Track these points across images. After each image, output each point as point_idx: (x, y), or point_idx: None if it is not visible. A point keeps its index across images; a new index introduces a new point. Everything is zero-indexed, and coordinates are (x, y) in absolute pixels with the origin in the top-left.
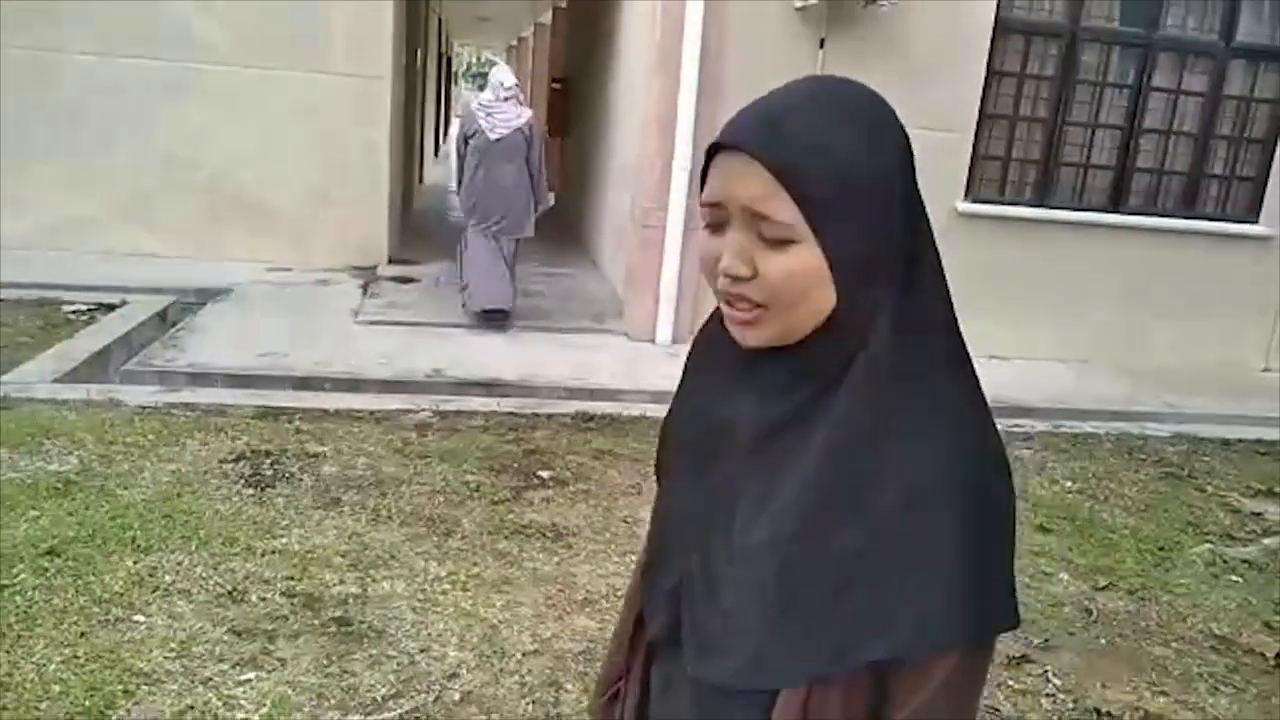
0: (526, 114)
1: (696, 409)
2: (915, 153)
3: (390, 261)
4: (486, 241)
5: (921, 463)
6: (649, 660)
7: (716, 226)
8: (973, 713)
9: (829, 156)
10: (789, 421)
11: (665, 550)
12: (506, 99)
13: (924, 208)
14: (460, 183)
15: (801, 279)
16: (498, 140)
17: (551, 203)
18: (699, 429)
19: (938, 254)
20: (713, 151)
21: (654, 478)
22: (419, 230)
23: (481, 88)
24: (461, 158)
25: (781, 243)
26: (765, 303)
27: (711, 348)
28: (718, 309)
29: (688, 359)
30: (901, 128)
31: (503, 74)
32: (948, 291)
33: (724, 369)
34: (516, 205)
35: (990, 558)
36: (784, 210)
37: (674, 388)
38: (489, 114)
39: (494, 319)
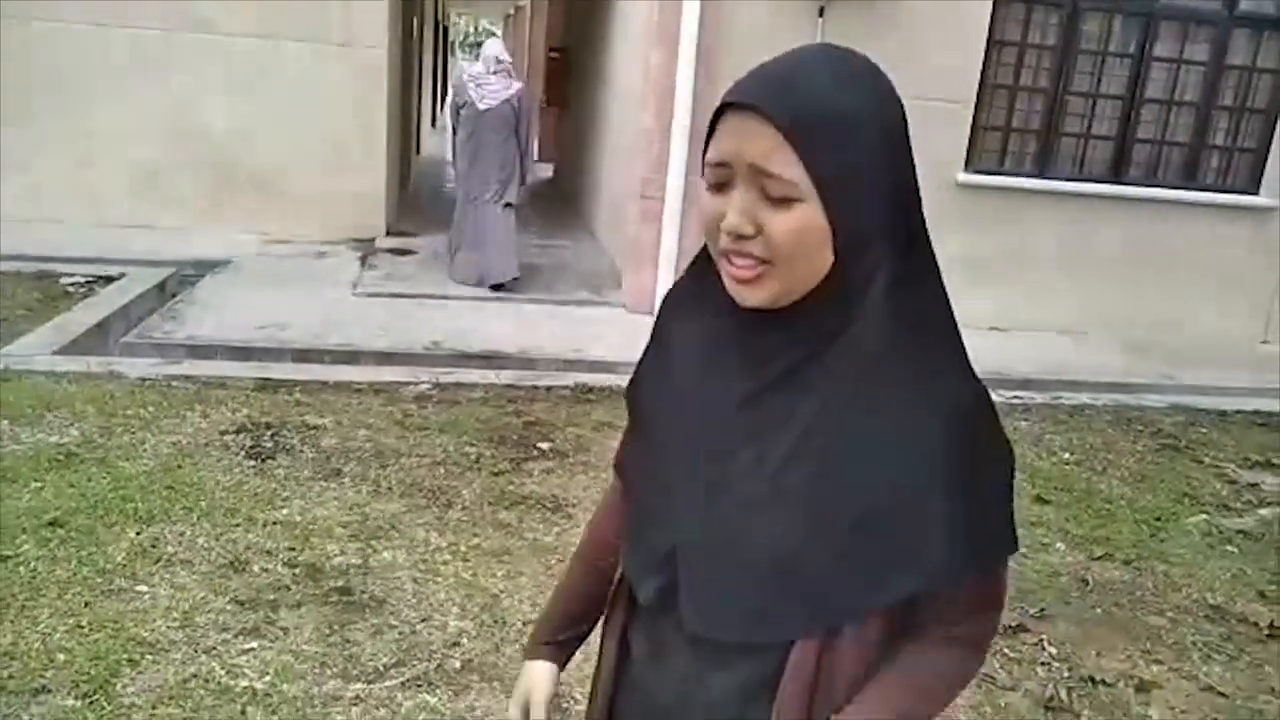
0: (516, 86)
1: (680, 371)
2: (916, 123)
3: (388, 233)
4: (484, 212)
5: (919, 409)
6: (627, 624)
7: (720, 186)
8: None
9: (835, 117)
10: (785, 379)
11: (653, 514)
12: (496, 72)
13: (916, 177)
14: (454, 153)
15: (804, 236)
16: (486, 110)
17: (543, 174)
18: (685, 392)
19: (925, 223)
20: (719, 113)
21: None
22: (416, 202)
23: (478, 57)
24: (454, 128)
25: (786, 201)
26: (769, 259)
27: (690, 309)
28: (688, 271)
29: (659, 321)
30: (899, 99)
31: (494, 48)
32: (935, 259)
33: (709, 331)
34: (504, 174)
35: (1000, 488)
36: (790, 168)
37: None
38: (479, 85)
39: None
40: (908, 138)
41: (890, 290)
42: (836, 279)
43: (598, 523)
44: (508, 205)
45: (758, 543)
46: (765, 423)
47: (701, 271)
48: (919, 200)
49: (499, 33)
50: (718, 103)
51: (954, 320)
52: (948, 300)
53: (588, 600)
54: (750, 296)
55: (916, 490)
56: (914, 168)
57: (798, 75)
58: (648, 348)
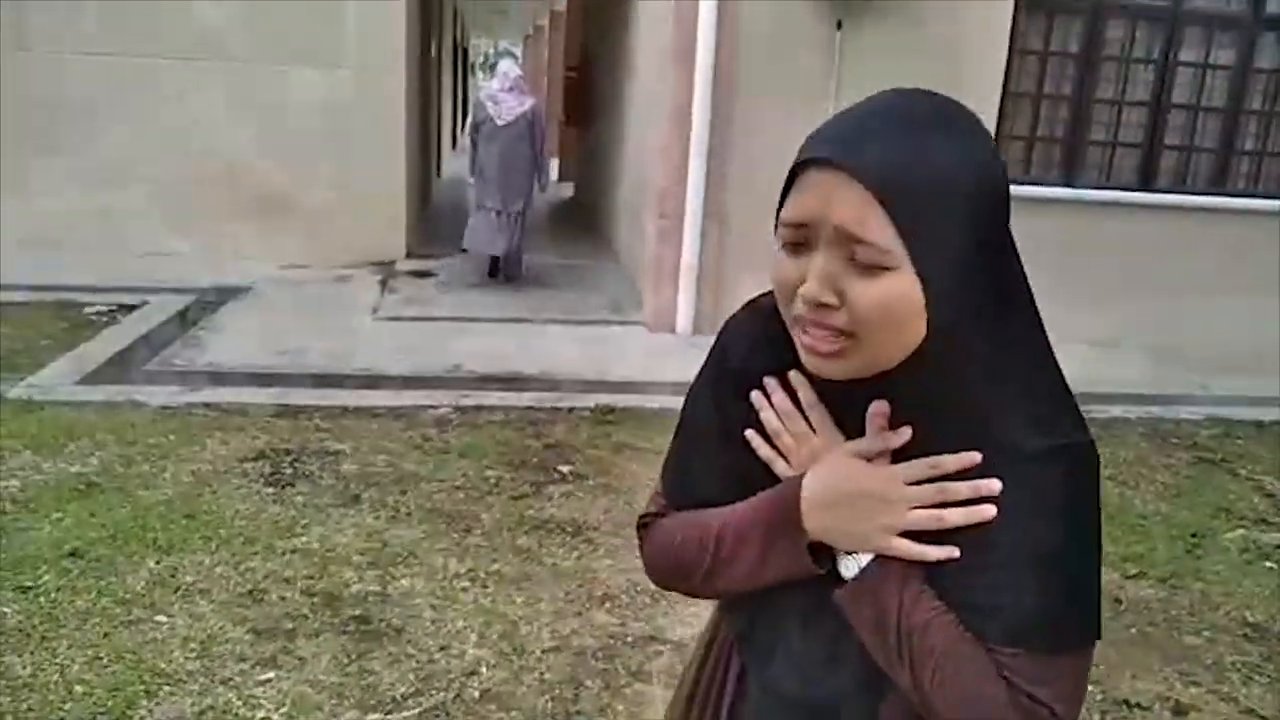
0: (529, 102)
1: (752, 444)
2: None
3: (408, 256)
4: (488, 216)
5: (1034, 464)
6: (741, 667)
7: (797, 246)
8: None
9: (931, 176)
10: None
11: (754, 603)
12: (510, 89)
13: (1013, 239)
14: (473, 164)
15: (895, 309)
16: (504, 125)
17: (564, 193)
18: (759, 466)
19: (1024, 276)
20: (800, 167)
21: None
22: (437, 224)
23: (495, 77)
24: (474, 143)
25: (875, 269)
26: (853, 331)
27: (755, 377)
28: (753, 309)
29: (727, 353)
30: (995, 147)
31: (507, 66)
32: (1038, 313)
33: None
34: (520, 180)
35: (1095, 562)
36: (881, 233)
37: (693, 377)
38: (496, 103)
39: (494, 270)
40: (1007, 189)
41: (989, 361)
42: (931, 350)
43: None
44: (523, 212)
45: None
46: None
47: (770, 316)
48: (1016, 254)
49: (518, 53)
50: (799, 155)
51: (1062, 378)
52: (1054, 357)
53: None
54: (827, 370)
55: (1023, 545)
56: (1008, 218)
57: (887, 127)
58: (706, 372)
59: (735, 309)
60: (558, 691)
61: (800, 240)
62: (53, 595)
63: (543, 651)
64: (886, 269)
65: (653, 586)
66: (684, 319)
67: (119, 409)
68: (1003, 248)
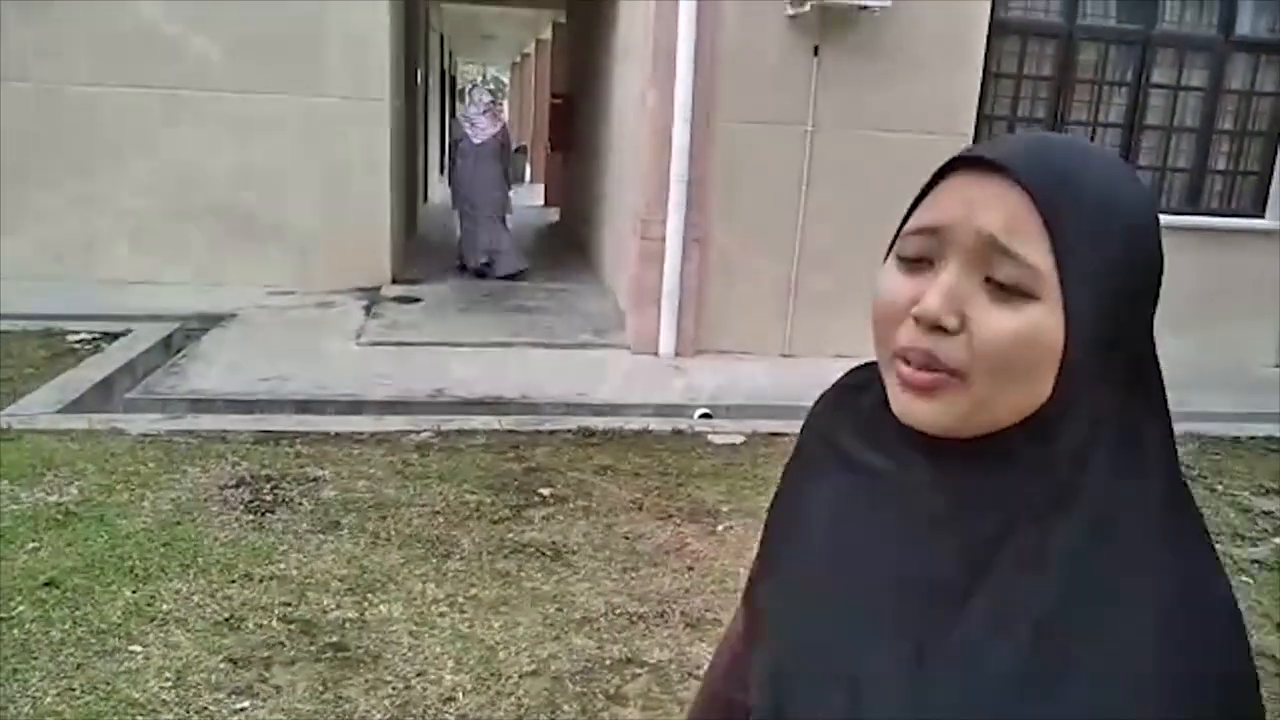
0: (500, 124)
1: (827, 516)
2: (914, 158)
3: (393, 282)
4: (486, 224)
5: (1185, 615)
6: None
7: (917, 263)
8: None
9: (1101, 200)
10: (991, 549)
11: (793, 682)
12: (484, 113)
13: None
14: (451, 180)
15: (1028, 348)
16: (479, 144)
17: (540, 203)
18: (831, 539)
19: (1156, 357)
20: (942, 173)
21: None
22: (423, 249)
23: (469, 101)
24: (452, 159)
25: (1017, 294)
26: (964, 369)
27: (836, 431)
28: (842, 382)
29: (799, 441)
30: (1155, 203)
31: (480, 93)
32: (1166, 401)
33: (872, 463)
34: (494, 193)
35: None
36: (1035, 251)
37: (676, 399)
38: (471, 124)
39: (483, 273)
40: (1162, 262)
41: (1130, 448)
42: (1054, 416)
43: (719, 665)
44: (502, 217)
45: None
46: (954, 600)
47: (857, 386)
48: (1151, 325)
49: (506, 80)
50: (942, 163)
51: (1188, 488)
52: (1178, 462)
53: None
54: (917, 412)
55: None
56: (1157, 299)
57: (1054, 145)
58: (790, 479)
59: (716, 329)
60: (534, 717)
61: (924, 254)
62: (27, 626)
63: (520, 676)
64: (1029, 296)
65: (631, 609)
66: (666, 341)
67: (99, 437)
68: (1148, 311)
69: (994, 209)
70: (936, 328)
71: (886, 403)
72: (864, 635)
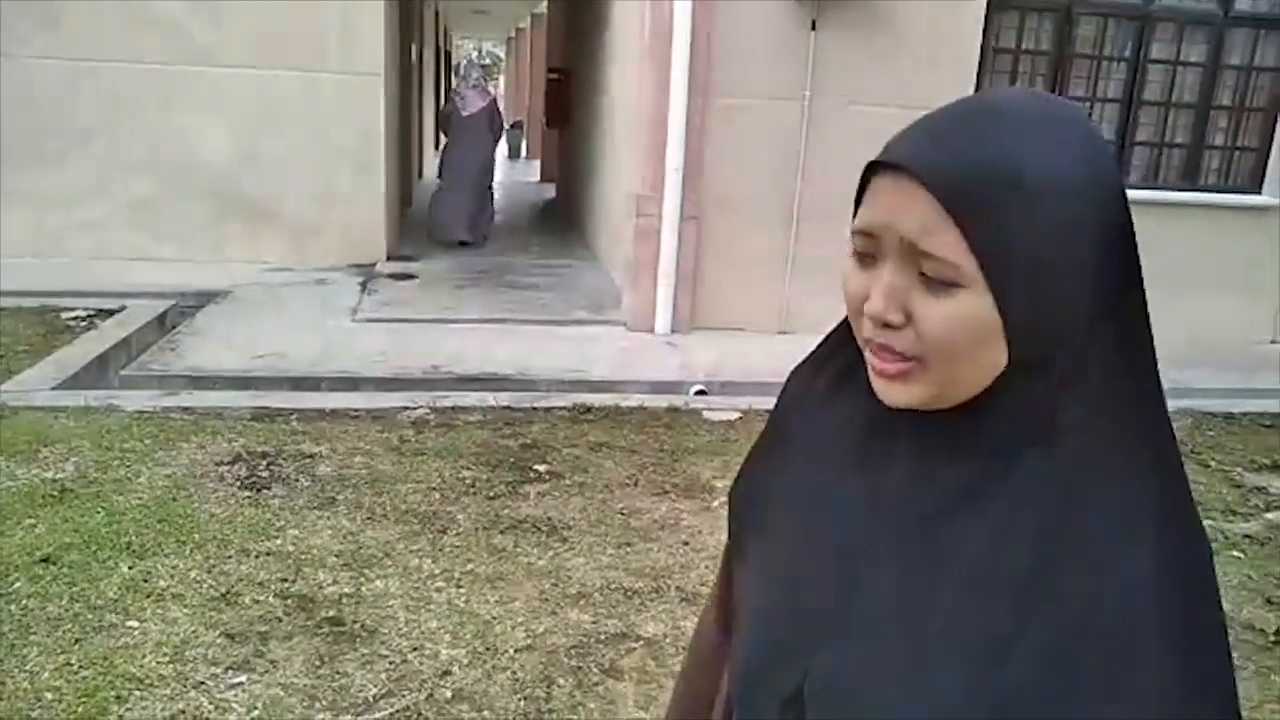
0: (489, 98)
1: (804, 479)
2: None
3: (389, 258)
4: (453, 193)
5: (1129, 563)
6: None
7: (865, 258)
8: None
9: (1010, 183)
10: (954, 502)
11: (771, 648)
12: (474, 88)
13: (1135, 254)
14: (442, 149)
15: (966, 332)
16: (469, 116)
17: (535, 179)
18: (810, 504)
19: (1145, 315)
20: (871, 170)
21: (650, 471)
22: (418, 226)
23: (460, 78)
24: (445, 131)
25: (945, 285)
26: (919, 356)
27: (820, 400)
28: (824, 343)
29: (778, 411)
30: (1109, 155)
31: (471, 70)
32: (1154, 358)
33: (843, 431)
34: (484, 158)
35: (1226, 680)
36: (951, 247)
37: (671, 376)
38: (462, 98)
39: (454, 244)
40: (1122, 204)
41: (1091, 400)
42: (1014, 382)
43: (706, 623)
44: (489, 186)
45: (908, 708)
46: (926, 554)
47: (839, 345)
48: (1137, 285)
49: (501, 55)
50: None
51: (1173, 442)
52: (1166, 414)
53: None
54: (893, 395)
55: (1116, 669)
56: (1131, 243)
57: (968, 129)
58: (765, 443)
59: (712, 306)
60: (530, 691)
61: (869, 251)
62: (24, 602)
63: (515, 651)
64: (958, 286)
65: (626, 584)
66: (662, 318)
67: (95, 414)
68: (1113, 272)
69: (908, 213)
70: (886, 325)
71: (855, 372)
72: (834, 606)
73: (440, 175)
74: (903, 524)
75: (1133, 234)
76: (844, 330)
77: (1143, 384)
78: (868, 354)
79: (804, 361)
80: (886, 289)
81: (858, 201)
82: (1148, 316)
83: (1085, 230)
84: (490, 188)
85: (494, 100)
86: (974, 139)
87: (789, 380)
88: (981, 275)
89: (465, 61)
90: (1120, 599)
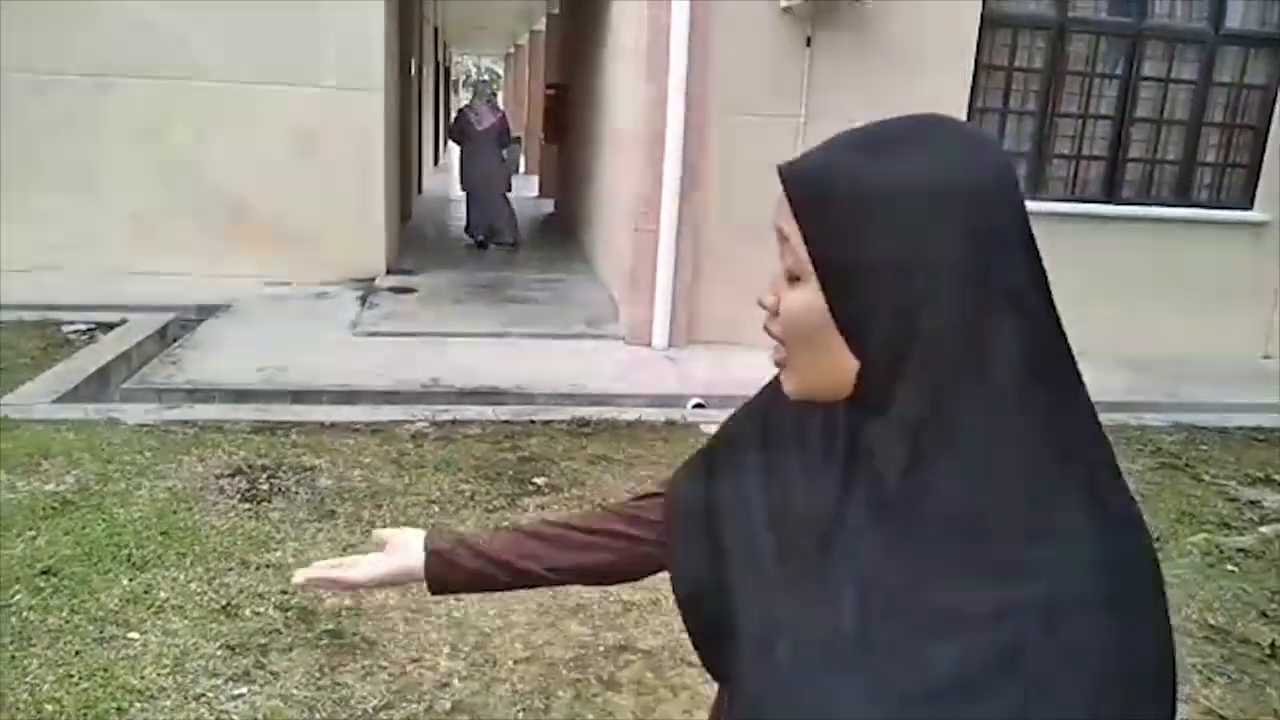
0: (499, 113)
1: (751, 473)
2: None
3: (388, 272)
4: (480, 198)
5: (1046, 580)
6: None
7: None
8: None
9: (847, 189)
10: (852, 504)
11: (734, 628)
12: (486, 103)
13: (1031, 259)
14: (461, 161)
15: (802, 322)
16: (483, 130)
17: (534, 194)
18: (756, 497)
19: (1045, 317)
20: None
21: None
22: (418, 240)
23: (474, 94)
24: (461, 145)
25: (793, 278)
26: (784, 341)
27: (779, 402)
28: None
29: (750, 404)
30: (983, 170)
31: (484, 88)
32: (1065, 362)
33: (781, 430)
34: (495, 169)
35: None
36: (797, 243)
37: (669, 390)
38: (476, 113)
39: (488, 243)
40: (991, 210)
41: (986, 400)
42: (875, 383)
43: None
44: (503, 193)
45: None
46: (833, 551)
47: None
48: (1034, 285)
49: (500, 71)
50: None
51: (1091, 439)
52: (1080, 411)
53: (520, 549)
54: (784, 383)
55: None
56: (1020, 245)
57: (844, 140)
58: (726, 437)
59: (709, 320)
60: (529, 702)
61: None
62: (25, 614)
63: (514, 663)
64: (798, 279)
65: (625, 596)
66: (660, 333)
67: (96, 427)
68: (976, 287)
69: (781, 213)
70: (765, 308)
71: None
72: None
73: (463, 185)
74: (808, 524)
75: (1016, 237)
76: None
77: (1049, 382)
78: None
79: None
80: (773, 277)
81: None
82: (1054, 315)
83: (931, 234)
84: (508, 189)
85: (504, 115)
86: (832, 152)
87: (769, 384)
88: (813, 271)
89: (480, 81)
90: (1041, 601)
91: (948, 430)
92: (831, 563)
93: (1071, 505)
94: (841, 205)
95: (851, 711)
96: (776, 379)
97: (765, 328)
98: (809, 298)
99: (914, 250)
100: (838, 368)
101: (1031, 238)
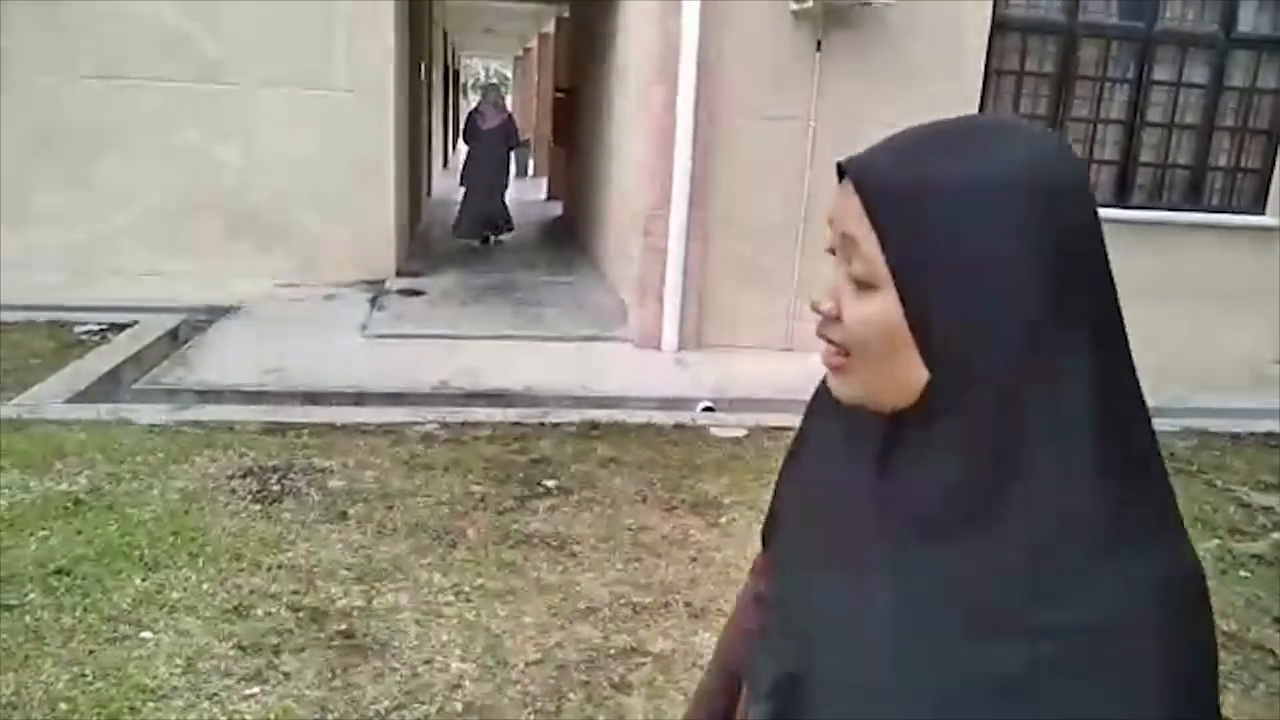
0: (505, 114)
1: (809, 472)
2: None
3: (398, 274)
4: (475, 195)
5: (1108, 606)
6: None
7: (833, 252)
8: None
9: (930, 193)
10: (921, 516)
11: (772, 634)
12: (493, 105)
13: (1095, 278)
14: (465, 159)
15: (876, 333)
16: (489, 129)
17: (542, 196)
18: (808, 496)
19: (1115, 327)
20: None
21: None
22: (427, 242)
23: (483, 97)
24: (468, 142)
25: (863, 285)
26: (848, 349)
27: (827, 402)
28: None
29: (809, 408)
30: (1066, 179)
31: (491, 91)
32: (1131, 375)
33: (846, 440)
34: (500, 166)
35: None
36: (871, 247)
37: (679, 393)
38: (482, 114)
39: (486, 240)
40: (1074, 212)
41: (1054, 412)
42: (944, 395)
43: (736, 613)
44: (504, 188)
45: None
46: (892, 567)
47: None
48: (1106, 291)
49: (509, 74)
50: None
51: (1149, 460)
52: (1147, 425)
53: (712, 710)
54: (834, 387)
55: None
56: (1093, 251)
57: (913, 140)
58: (797, 439)
59: (719, 324)
60: (540, 704)
61: (832, 246)
62: (38, 613)
63: (526, 665)
64: (872, 286)
65: (635, 599)
66: (669, 335)
67: (108, 427)
68: (1075, 284)
69: (845, 210)
70: (823, 314)
71: None
72: (820, 596)
73: (462, 182)
74: (876, 535)
75: (1095, 242)
76: None
77: (1117, 398)
78: None
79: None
80: (828, 282)
81: None
82: (1121, 325)
83: (1020, 238)
84: (504, 188)
85: (509, 116)
86: (907, 152)
87: (816, 390)
88: (890, 279)
89: (486, 83)
90: (1103, 623)
91: (1013, 442)
92: (868, 568)
93: (1135, 525)
94: (930, 208)
95: (899, 707)
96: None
97: (821, 333)
98: (883, 305)
99: (1003, 255)
100: (907, 377)
101: (1104, 243)
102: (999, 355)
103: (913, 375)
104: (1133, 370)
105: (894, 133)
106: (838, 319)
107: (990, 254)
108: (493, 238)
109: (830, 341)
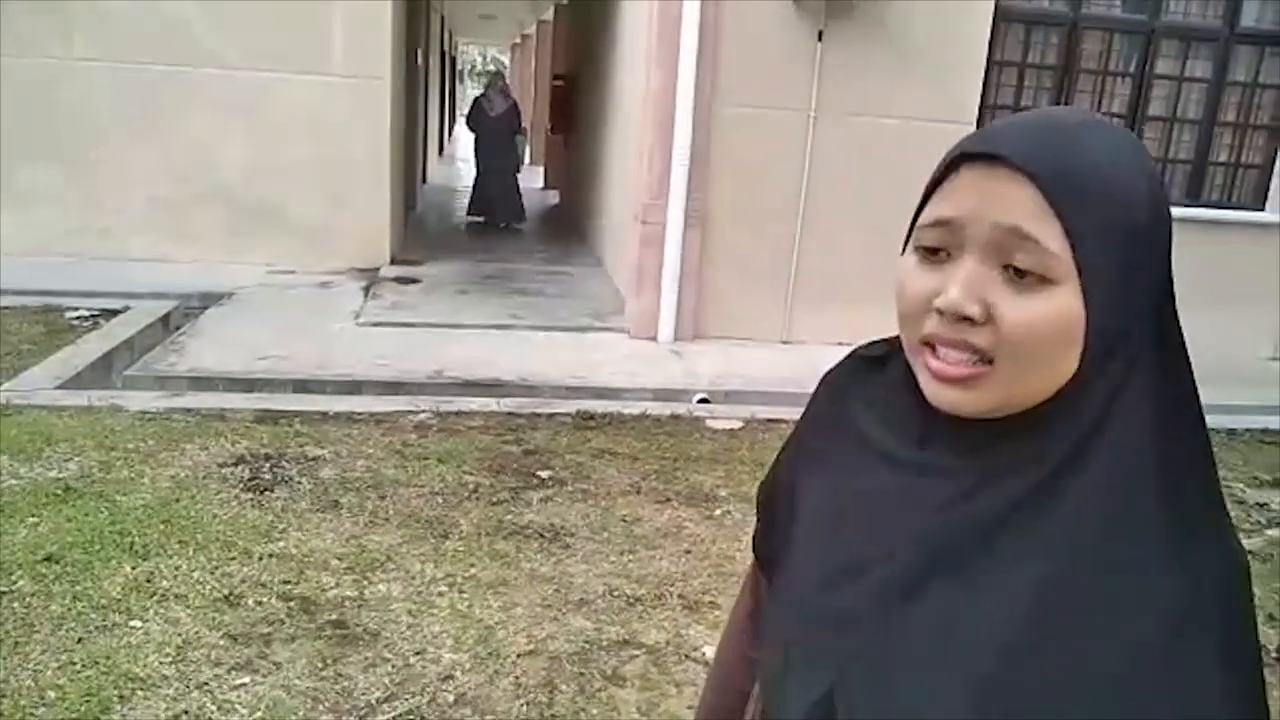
0: (512, 100)
1: (837, 484)
2: (917, 146)
3: (393, 262)
4: (497, 178)
5: (1178, 589)
6: None
7: (934, 253)
8: None
9: (1108, 184)
10: (1000, 518)
11: (803, 648)
12: (499, 92)
13: (1172, 274)
14: (475, 145)
15: (1053, 331)
16: (495, 116)
17: (539, 185)
18: (847, 509)
19: (1179, 329)
20: (949, 167)
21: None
22: (422, 230)
23: (488, 84)
24: (475, 129)
25: (1038, 281)
26: (993, 356)
27: (852, 403)
28: (857, 353)
29: (809, 412)
30: (1161, 178)
31: (497, 78)
32: (1191, 372)
33: (885, 435)
34: (507, 151)
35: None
36: (1052, 238)
37: (675, 384)
38: (489, 100)
39: (492, 221)
40: (1171, 225)
41: (1142, 414)
42: (1077, 392)
43: (732, 633)
44: (515, 173)
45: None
46: (957, 570)
47: (877, 359)
48: (1174, 302)
49: (506, 61)
50: (948, 155)
51: (1211, 455)
52: (1205, 428)
53: None
54: (954, 402)
55: (1165, 688)
56: (1170, 263)
57: (1061, 128)
58: (794, 445)
59: (716, 315)
60: (532, 696)
61: (941, 244)
62: (27, 600)
63: (518, 656)
64: (1049, 282)
65: (629, 591)
66: (666, 325)
67: (98, 414)
68: (1164, 291)
69: (1008, 203)
70: (963, 318)
71: (905, 379)
72: (873, 609)
73: (477, 167)
74: (945, 535)
75: (1170, 258)
76: (886, 342)
77: (1184, 392)
78: (922, 356)
79: (842, 363)
80: (966, 280)
81: (927, 196)
82: (1179, 323)
83: (1149, 238)
84: (517, 173)
85: (515, 103)
86: (1068, 138)
87: (825, 380)
88: (1075, 272)
89: (494, 72)
90: (1158, 615)
91: (1111, 435)
92: (960, 569)
93: (1201, 524)
94: (1111, 200)
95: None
96: (822, 384)
97: (957, 339)
98: (1061, 304)
99: (1162, 250)
100: (1053, 378)
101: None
102: (1126, 353)
103: (1061, 375)
104: (1190, 367)
105: (1004, 122)
106: (984, 323)
107: (1140, 252)
108: (506, 223)
109: (969, 349)
